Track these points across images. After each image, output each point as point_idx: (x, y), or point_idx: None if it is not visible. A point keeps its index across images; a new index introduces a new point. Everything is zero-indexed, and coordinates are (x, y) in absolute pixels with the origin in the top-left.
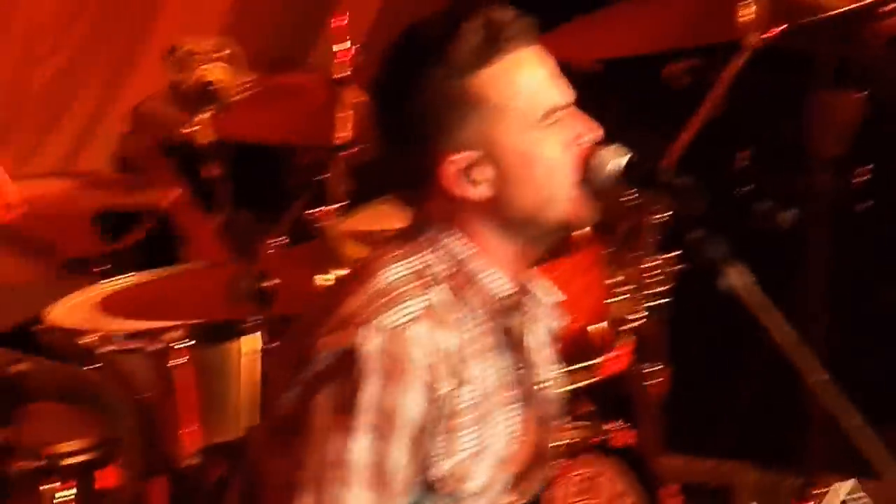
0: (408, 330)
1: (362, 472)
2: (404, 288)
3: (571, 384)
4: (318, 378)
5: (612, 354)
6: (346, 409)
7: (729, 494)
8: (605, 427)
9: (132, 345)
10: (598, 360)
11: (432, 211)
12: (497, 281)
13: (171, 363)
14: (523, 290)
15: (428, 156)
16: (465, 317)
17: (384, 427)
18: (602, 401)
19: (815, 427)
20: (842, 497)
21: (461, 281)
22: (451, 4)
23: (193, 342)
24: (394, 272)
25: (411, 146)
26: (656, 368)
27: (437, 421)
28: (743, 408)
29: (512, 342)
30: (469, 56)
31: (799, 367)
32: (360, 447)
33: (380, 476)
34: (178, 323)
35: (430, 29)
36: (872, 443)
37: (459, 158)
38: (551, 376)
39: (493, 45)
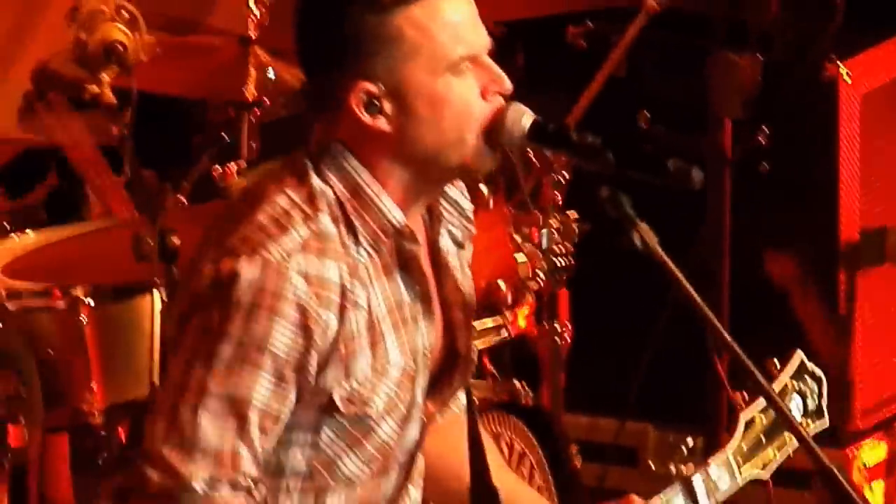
0: (286, 263)
1: (215, 400)
2: (290, 216)
3: (478, 342)
4: (194, 303)
5: (516, 312)
6: (212, 336)
7: (631, 454)
8: (510, 385)
9: (37, 302)
10: (503, 318)
11: (339, 134)
12: (391, 207)
13: (76, 320)
14: (434, 201)
15: (341, 80)
16: (351, 243)
17: (245, 359)
18: (506, 359)
19: (718, 386)
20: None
21: (355, 205)
22: None
23: (98, 300)
24: (282, 199)
25: (327, 69)
26: (560, 327)
27: (315, 352)
28: (646, 367)
29: (406, 262)
30: None
31: (702, 327)
32: (217, 375)
33: (233, 407)
34: (83, 281)
35: None
36: (776, 401)
37: (365, 87)
38: (463, 279)
39: None
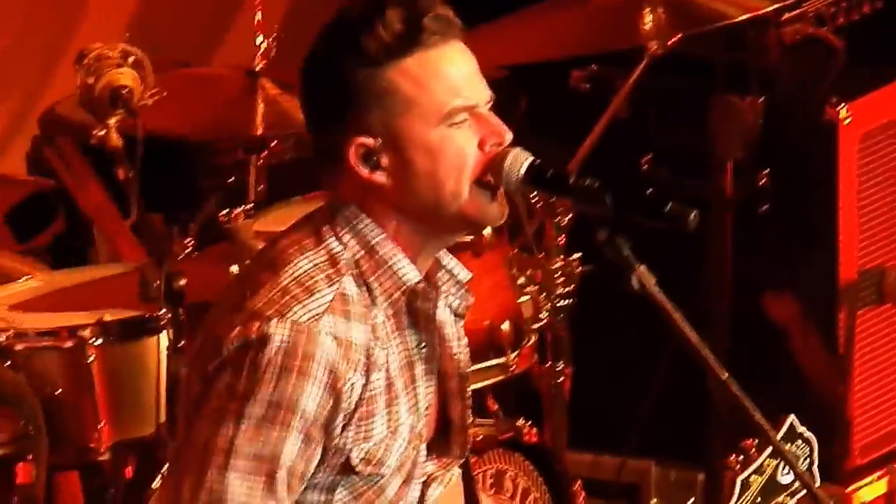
0: (316, 325)
1: (244, 459)
2: (315, 279)
3: (481, 381)
4: (222, 365)
5: (519, 353)
6: (241, 396)
7: (634, 491)
8: (513, 423)
9: (44, 342)
10: (506, 358)
11: (344, 193)
12: (406, 267)
13: (83, 360)
14: (433, 271)
15: (339, 136)
16: (371, 304)
17: (275, 419)
18: (508, 398)
19: (718, 424)
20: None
21: (371, 266)
22: None
23: (104, 339)
24: (305, 262)
25: (326, 125)
26: (562, 366)
27: (342, 413)
28: (647, 405)
29: (418, 322)
30: (383, 47)
31: (701, 365)
32: (246, 435)
33: (262, 466)
34: (90, 320)
35: (352, 14)
36: (773, 437)
37: (362, 142)
38: (459, 349)
39: (409, 38)
